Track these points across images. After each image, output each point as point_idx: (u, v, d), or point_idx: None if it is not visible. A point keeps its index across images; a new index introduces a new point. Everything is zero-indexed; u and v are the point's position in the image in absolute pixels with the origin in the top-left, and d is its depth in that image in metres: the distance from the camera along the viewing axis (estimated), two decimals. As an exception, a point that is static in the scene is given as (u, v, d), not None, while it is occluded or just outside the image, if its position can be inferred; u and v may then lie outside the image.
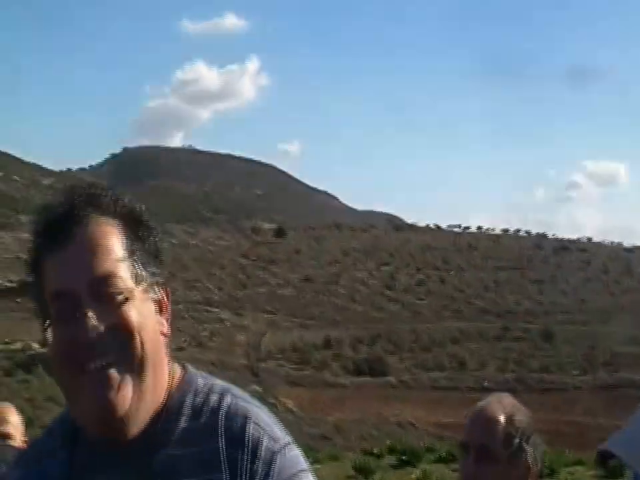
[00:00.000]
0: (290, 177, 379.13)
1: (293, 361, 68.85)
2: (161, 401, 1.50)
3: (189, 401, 1.52)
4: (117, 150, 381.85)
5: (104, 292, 1.42)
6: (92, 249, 1.44)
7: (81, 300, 1.41)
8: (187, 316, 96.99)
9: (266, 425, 1.50)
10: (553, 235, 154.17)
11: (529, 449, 2.43)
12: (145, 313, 1.46)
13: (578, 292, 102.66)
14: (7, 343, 78.64)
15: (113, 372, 1.41)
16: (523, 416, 2.47)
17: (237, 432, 1.47)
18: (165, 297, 1.54)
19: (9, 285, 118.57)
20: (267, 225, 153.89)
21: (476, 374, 69.41)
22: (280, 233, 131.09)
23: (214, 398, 1.52)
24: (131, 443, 1.45)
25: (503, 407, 2.45)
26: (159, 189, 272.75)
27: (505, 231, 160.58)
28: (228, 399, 1.52)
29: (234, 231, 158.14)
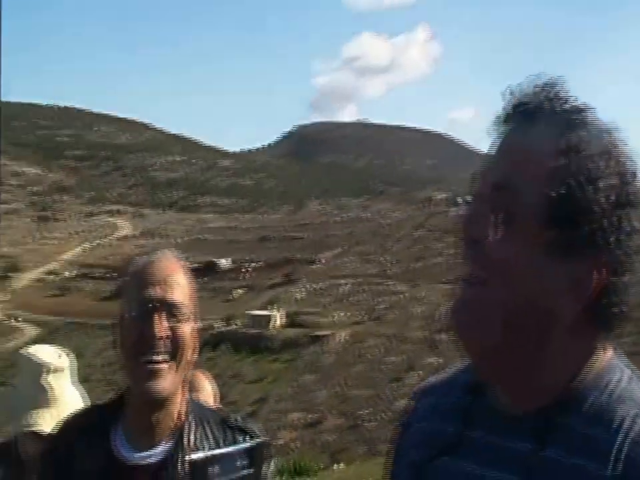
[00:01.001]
0: (461, 144, 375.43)
1: (471, 331, 68.86)
2: (559, 387, 1.19)
3: (590, 400, 1.18)
4: (291, 128, 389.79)
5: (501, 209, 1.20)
6: (520, 154, 1.22)
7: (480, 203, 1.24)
8: (363, 289, 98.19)
9: None
10: None
11: None
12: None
13: None
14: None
15: None
16: None
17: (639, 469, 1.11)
18: None
19: (191, 265, 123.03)
20: (440, 195, 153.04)
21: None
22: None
23: (623, 409, 1.16)
24: (523, 419, 1.21)
25: None
26: (332, 165, 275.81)
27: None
28: None
29: (407, 203, 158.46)
